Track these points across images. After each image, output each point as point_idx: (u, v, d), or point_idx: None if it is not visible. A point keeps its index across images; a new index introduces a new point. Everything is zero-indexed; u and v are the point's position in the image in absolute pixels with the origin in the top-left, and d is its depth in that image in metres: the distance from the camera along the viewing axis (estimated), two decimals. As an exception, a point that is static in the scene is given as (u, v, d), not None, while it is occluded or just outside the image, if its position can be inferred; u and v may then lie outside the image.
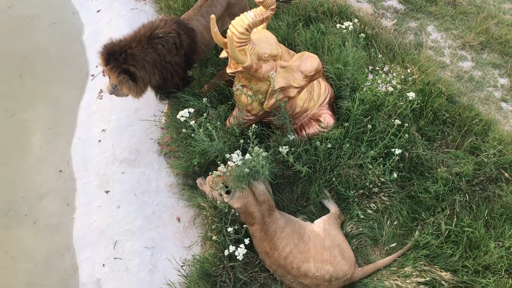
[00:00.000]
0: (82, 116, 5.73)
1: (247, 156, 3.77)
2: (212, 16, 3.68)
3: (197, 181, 4.59)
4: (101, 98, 5.81)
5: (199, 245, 4.55)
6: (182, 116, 3.79)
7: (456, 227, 4.20)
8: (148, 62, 4.37)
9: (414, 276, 3.98)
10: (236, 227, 3.98)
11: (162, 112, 5.36)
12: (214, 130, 4.03)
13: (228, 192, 4.02)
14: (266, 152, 3.79)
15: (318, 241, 4.04)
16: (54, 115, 5.74)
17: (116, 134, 5.44)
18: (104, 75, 4.47)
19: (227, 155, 3.80)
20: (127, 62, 4.27)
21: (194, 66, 5.12)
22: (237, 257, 3.61)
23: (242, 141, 4.00)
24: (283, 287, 4.13)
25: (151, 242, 4.64)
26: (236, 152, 3.72)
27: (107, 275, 4.52)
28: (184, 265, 4.32)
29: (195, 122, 3.89)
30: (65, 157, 5.37)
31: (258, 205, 4.02)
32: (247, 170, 3.72)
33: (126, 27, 6.20)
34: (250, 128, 3.90)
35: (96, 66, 6.15)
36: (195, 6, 4.95)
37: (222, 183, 3.93)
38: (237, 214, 4.06)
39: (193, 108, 3.93)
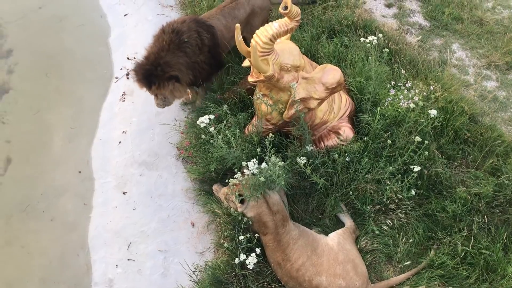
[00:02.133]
0: (104, 117, 5.82)
1: (263, 165, 3.77)
2: (237, 25, 3.72)
3: (213, 188, 4.60)
4: (124, 101, 5.88)
5: (211, 252, 4.55)
6: (202, 122, 3.82)
7: (473, 248, 4.13)
8: (182, 65, 4.51)
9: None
10: (248, 235, 3.97)
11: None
12: (232, 138, 4.05)
13: (242, 201, 4.02)
14: (282, 162, 3.78)
15: (331, 254, 4.01)
16: (77, 115, 5.84)
17: (136, 137, 5.50)
18: (152, 94, 4.68)
19: (244, 163, 3.80)
20: (167, 70, 4.41)
21: (224, 57, 5.23)
22: (248, 266, 3.60)
23: (259, 149, 4.00)
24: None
25: (165, 245, 4.66)
26: (252, 160, 3.72)
27: (120, 276, 4.55)
28: (196, 271, 4.33)
29: (215, 129, 3.91)
30: (85, 157, 5.45)
31: (271, 215, 4.01)
32: (262, 179, 3.72)
33: (152, 32, 6.28)
34: (267, 137, 3.91)
35: (121, 69, 6.24)
36: (219, 7, 5.07)
37: (237, 192, 3.94)
38: (250, 222, 4.06)
39: (213, 115, 3.96)
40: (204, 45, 4.69)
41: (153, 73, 4.41)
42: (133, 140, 5.49)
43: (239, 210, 4.04)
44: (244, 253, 3.65)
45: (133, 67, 4.56)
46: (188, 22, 4.67)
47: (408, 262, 4.20)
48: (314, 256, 3.96)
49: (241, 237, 3.89)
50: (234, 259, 3.91)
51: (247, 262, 3.58)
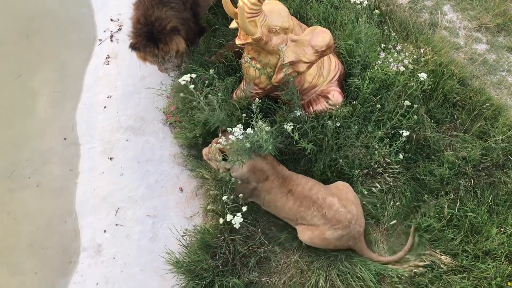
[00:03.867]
0: (88, 81, 5.68)
1: (249, 130, 3.71)
2: (223, -16, 3.59)
3: (203, 151, 4.56)
4: (108, 64, 5.74)
5: (200, 216, 4.57)
6: (184, 80, 3.70)
7: (459, 211, 4.19)
8: (174, 17, 4.39)
9: (413, 260, 3.99)
10: (232, 196, 3.97)
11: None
12: (215, 100, 3.95)
13: (225, 160, 4.00)
14: (269, 127, 3.73)
15: (340, 186, 4.19)
16: (60, 79, 5.70)
17: (122, 101, 5.41)
18: (160, 58, 4.51)
19: (229, 129, 3.73)
20: (164, 24, 4.27)
21: (201, 18, 5.11)
22: (234, 226, 3.55)
23: (244, 114, 3.94)
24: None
25: (153, 210, 4.66)
26: (238, 126, 3.66)
27: (108, 241, 4.56)
28: (184, 235, 4.35)
29: (201, 93, 3.82)
30: (70, 122, 5.35)
31: (264, 159, 4.05)
32: (248, 145, 3.68)
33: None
34: (254, 101, 3.84)
35: (104, 31, 6.06)
36: None
37: (218, 152, 3.92)
38: (239, 182, 4.02)
39: (199, 79, 3.84)
40: (187, 1, 4.54)
41: (153, 32, 4.25)
42: (119, 104, 5.39)
43: (227, 167, 4.01)
44: (230, 213, 3.62)
45: (131, 41, 4.37)
46: None
47: (393, 222, 4.24)
48: (321, 185, 4.13)
49: (224, 197, 3.88)
50: (225, 224, 3.93)
51: (233, 222, 3.50)
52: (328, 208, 3.96)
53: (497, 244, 4.01)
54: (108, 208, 4.73)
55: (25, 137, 5.23)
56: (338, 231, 3.92)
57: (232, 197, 3.99)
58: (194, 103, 3.99)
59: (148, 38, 4.30)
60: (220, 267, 4.07)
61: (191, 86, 3.64)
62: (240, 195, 3.98)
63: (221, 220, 3.69)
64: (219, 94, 4.18)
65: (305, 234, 4.05)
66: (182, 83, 3.72)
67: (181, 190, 4.75)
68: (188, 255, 4.18)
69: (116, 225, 4.63)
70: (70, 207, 4.80)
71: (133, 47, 4.38)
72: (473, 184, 4.39)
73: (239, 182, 4.05)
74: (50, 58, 5.88)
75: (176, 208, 4.66)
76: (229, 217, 3.51)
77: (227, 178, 4.03)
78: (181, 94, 4.11)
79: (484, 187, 4.41)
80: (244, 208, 3.65)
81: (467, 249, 4.04)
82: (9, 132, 5.27)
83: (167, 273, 4.23)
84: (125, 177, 4.89)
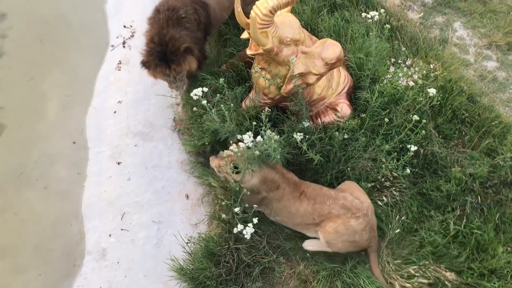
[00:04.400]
0: (99, 86, 5.74)
1: (259, 138, 3.74)
2: (238, -5, 3.63)
3: (210, 159, 4.58)
4: (119, 70, 5.80)
5: (205, 224, 4.57)
6: (196, 95, 3.75)
7: (465, 228, 4.17)
8: (188, 37, 4.39)
9: (417, 277, 3.96)
10: (246, 205, 3.98)
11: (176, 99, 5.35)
12: (227, 112, 4.00)
13: (237, 172, 4.00)
14: (278, 136, 3.75)
15: (350, 185, 4.27)
16: (72, 83, 5.75)
17: (132, 107, 5.45)
18: (175, 78, 4.52)
19: (239, 136, 3.76)
20: (178, 44, 4.25)
21: (208, 40, 5.12)
22: (245, 236, 3.57)
23: (254, 123, 3.97)
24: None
25: (159, 216, 4.67)
26: (247, 133, 3.68)
27: (113, 245, 4.57)
28: (189, 242, 4.35)
29: (210, 103, 3.84)
30: (79, 125, 5.40)
31: (273, 169, 4.06)
32: (257, 152, 3.70)
33: (149, 0, 6.17)
34: (263, 111, 3.86)
35: (117, 37, 6.13)
36: None
37: (231, 164, 3.93)
38: (248, 193, 4.03)
39: (208, 88, 3.87)
40: (201, 22, 4.56)
41: (166, 52, 4.25)
42: (129, 110, 5.43)
43: (237, 179, 4.02)
44: (241, 224, 3.64)
45: (143, 58, 4.37)
46: None
47: (397, 230, 4.22)
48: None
49: (236, 209, 3.88)
50: (229, 231, 3.93)
51: (244, 232, 3.56)
52: (344, 199, 3.99)
53: (503, 263, 3.97)
54: (114, 212, 4.75)
55: (34, 139, 5.28)
56: (360, 219, 3.91)
57: (242, 208, 4.00)
58: (204, 115, 4.01)
59: (161, 58, 4.29)
60: (224, 275, 4.06)
61: (204, 102, 3.69)
62: (251, 204, 4.01)
63: (235, 230, 3.66)
64: (231, 104, 4.21)
65: (328, 228, 3.98)
66: (195, 97, 3.76)
67: (187, 197, 4.77)
68: (192, 262, 4.18)
69: (122, 229, 4.64)
70: (76, 210, 4.82)
71: (144, 64, 4.40)
72: (480, 201, 4.36)
73: (249, 193, 4.05)
74: (62, 62, 5.95)
75: (182, 215, 4.67)
76: (240, 227, 3.54)
77: (237, 189, 4.04)
78: (194, 109, 4.12)
79: (491, 205, 4.38)
80: (255, 220, 3.67)
81: (473, 266, 4.01)
82: (19, 134, 5.31)
83: (170, 279, 4.22)
84: (132, 182, 4.92)
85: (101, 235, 4.64)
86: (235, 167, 3.95)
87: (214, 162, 4.24)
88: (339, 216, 3.95)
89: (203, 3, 4.62)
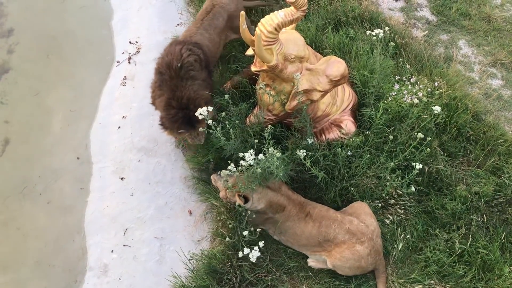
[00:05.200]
0: (104, 101, 5.75)
1: (261, 156, 3.72)
2: (242, 12, 3.67)
3: (211, 178, 4.57)
4: (125, 85, 5.83)
5: (208, 240, 4.54)
6: (200, 114, 3.74)
7: (470, 247, 4.12)
8: (200, 87, 4.37)
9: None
10: (252, 228, 3.94)
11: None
12: (232, 129, 3.99)
13: (245, 199, 3.97)
14: (281, 153, 3.73)
15: (357, 207, 4.24)
16: (77, 98, 5.78)
17: (136, 122, 5.46)
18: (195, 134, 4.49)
19: (240, 154, 3.74)
20: (198, 103, 4.20)
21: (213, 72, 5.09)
22: (251, 259, 3.54)
23: (256, 140, 3.95)
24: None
25: (161, 232, 4.65)
26: (249, 151, 3.65)
27: (115, 261, 4.54)
28: (191, 259, 4.32)
29: (214, 121, 3.82)
30: (83, 141, 5.41)
31: (278, 191, 4.03)
32: (259, 170, 3.68)
33: (155, 17, 6.24)
34: (266, 128, 3.85)
35: (123, 53, 6.17)
36: (196, 21, 4.92)
37: (237, 193, 3.90)
38: (254, 216, 4.00)
39: (212, 107, 3.84)
40: (201, 60, 4.51)
41: (189, 114, 4.18)
42: (133, 125, 5.44)
43: (247, 207, 3.99)
44: (247, 247, 3.60)
45: (166, 126, 4.36)
46: (175, 46, 4.43)
47: (400, 245, 4.17)
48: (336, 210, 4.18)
49: (245, 233, 3.84)
50: (232, 249, 3.89)
51: (250, 256, 3.52)
52: (350, 223, 3.95)
53: (509, 283, 3.92)
54: (116, 228, 4.73)
55: (39, 154, 5.28)
56: (365, 243, 3.88)
57: (252, 229, 3.96)
58: (211, 131, 3.98)
59: (186, 122, 4.25)
60: (226, 293, 4.03)
61: (210, 121, 3.69)
62: (255, 223, 3.98)
63: (240, 254, 3.61)
64: (236, 121, 4.19)
65: (334, 253, 3.96)
66: (200, 117, 3.75)
67: (190, 213, 4.74)
68: (194, 279, 4.13)
69: (124, 245, 4.61)
70: (79, 226, 4.81)
71: (166, 129, 4.39)
72: (485, 220, 4.32)
73: (254, 216, 4.03)
74: (68, 77, 5.98)
75: (184, 231, 4.64)
76: (246, 251, 3.50)
77: (243, 214, 4.01)
78: (200, 129, 4.10)
79: (497, 224, 4.34)
80: (261, 244, 3.63)
81: (479, 286, 3.96)
82: (24, 148, 5.32)
83: (172, 297, 4.19)
84: (135, 197, 4.90)
85: (103, 251, 4.61)
86: (244, 197, 3.92)
87: (218, 181, 4.20)
88: (345, 241, 3.92)
89: (196, 44, 4.58)
